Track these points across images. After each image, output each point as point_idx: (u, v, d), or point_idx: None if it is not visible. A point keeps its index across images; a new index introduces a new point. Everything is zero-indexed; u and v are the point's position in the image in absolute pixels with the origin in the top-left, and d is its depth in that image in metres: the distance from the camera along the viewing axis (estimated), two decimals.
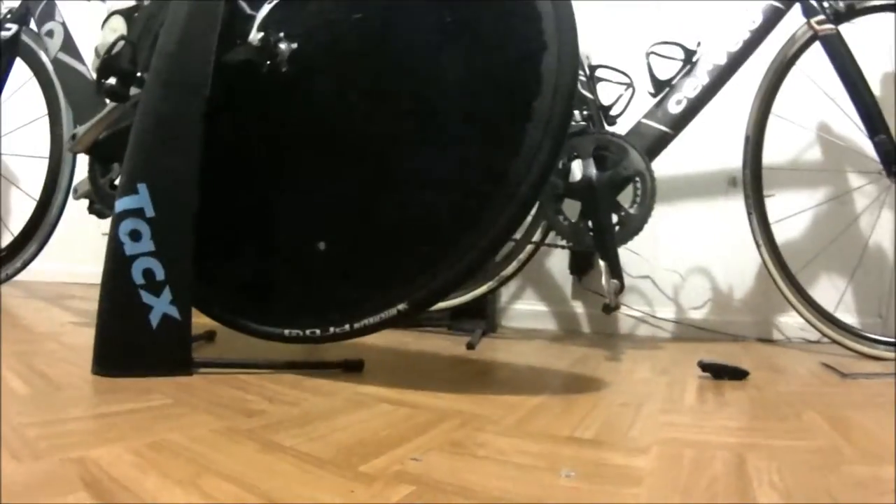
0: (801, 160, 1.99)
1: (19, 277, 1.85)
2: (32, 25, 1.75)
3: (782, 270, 1.76)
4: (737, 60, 1.63)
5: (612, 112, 1.63)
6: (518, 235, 1.76)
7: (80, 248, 2.37)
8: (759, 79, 1.76)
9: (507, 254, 1.79)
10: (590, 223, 1.56)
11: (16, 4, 1.80)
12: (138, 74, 1.12)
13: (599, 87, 1.64)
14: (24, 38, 1.81)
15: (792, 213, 1.91)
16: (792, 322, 1.92)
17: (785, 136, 1.91)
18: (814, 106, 1.88)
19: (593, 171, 1.55)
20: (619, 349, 1.72)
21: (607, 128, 1.63)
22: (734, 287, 2.05)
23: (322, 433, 0.76)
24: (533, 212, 1.67)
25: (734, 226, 1.90)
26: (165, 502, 0.53)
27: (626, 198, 1.55)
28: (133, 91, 1.26)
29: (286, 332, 1.17)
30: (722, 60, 1.63)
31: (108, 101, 1.44)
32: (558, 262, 2.18)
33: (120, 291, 1.03)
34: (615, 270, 1.56)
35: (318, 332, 1.14)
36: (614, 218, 1.55)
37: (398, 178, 1.12)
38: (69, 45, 1.66)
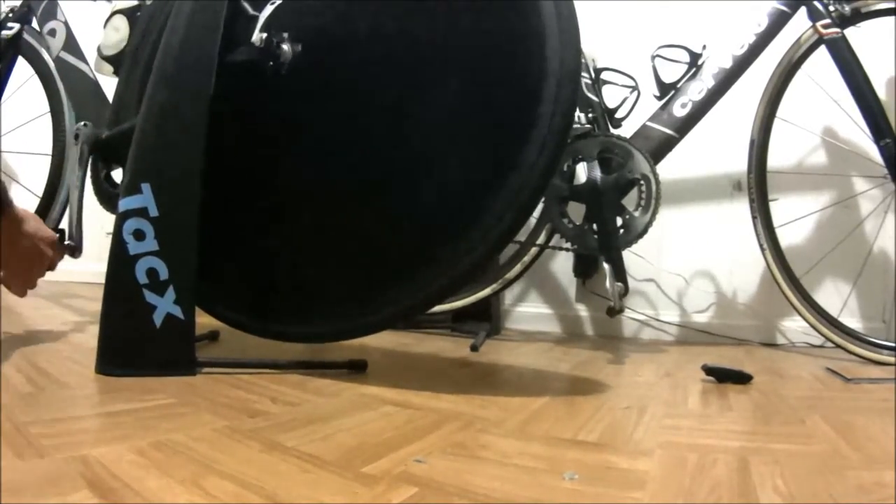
0: (806, 164, 1.98)
1: None
2: (34, 24, 1.76)
3: (786, 274, 1.75)
4: (742, 64, 1.63)
5: (618, 115, 1.62)
6: (522, 238, 1.76)
7: (83, 246, 2.37)
8: (764, 82, 1.76)
9: (511, 256, 1.78)
10: (594, 226, 1.56)
11: (18, 3, 1.80)
12: None
13: (605, 89, 1.63)
14: (27, 36, 1.81)
15: (796, 217, 1.91)
16: (796, 326, 1.91)
17: (790, 139, 1.90)
18: (819, 110, 1.87)
19: (598, 174, 1.55)
20: (622, 352, 1.72)
21: (612, 130, 1.62)
22: (738, 291, 2.05)
23: (325, 434, 0.76)
24: (537, 214, 1.67)
25: (739, 229, 1.90)
26: (168, 502, 0.53)
27: (630, 201, 1.54)
28: None
29: (290, 331, 1.17)
30: (727, 64, 1.63)
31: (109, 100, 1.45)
32: (562, 264, 2.17)
33: (123, 291, 1.03)
34: (619, 273, 1.56)
35: (321, 331, 1.14)
36: (619, 221, 1.54)
37: (402, 178, 1.12)
38: (71, 44, 1.66)
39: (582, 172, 1.56)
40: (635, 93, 1.60)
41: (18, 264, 1.09)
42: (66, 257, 1.24)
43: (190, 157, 1.06)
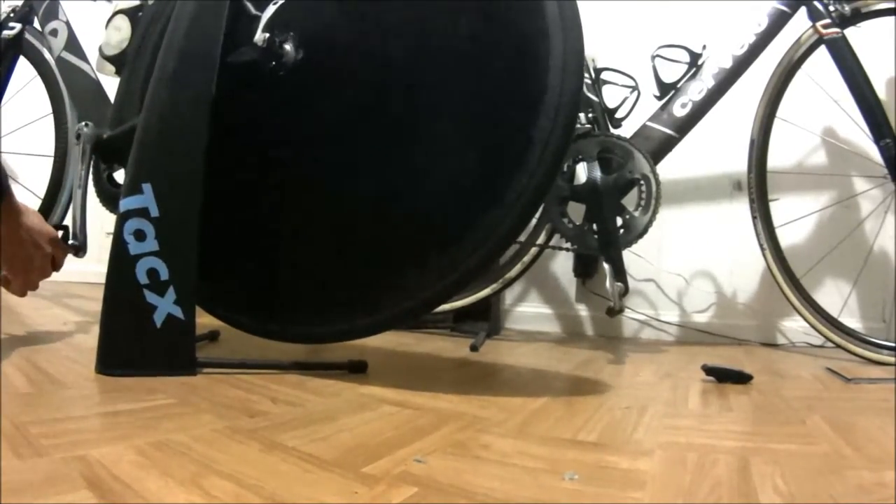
0: (806, 164, 1.98)
1: None
2: (36, 24, 1.76)
3: (786, 274, 1.75)
4: (742, 64, 1.63)
5: (618, 115, 1.62)
6: (523, 238, 1.76)
7: (87, 246, 2.37)
8: (764, 82, 1.76)
9: (511, 256, 1.78)
10: (594, 226, 1.56)
11: (19, 3, 1.80)
12: None
13: (605, 89, 1.63)
14: (28, 36, 1.81)
15: (796, 217, 1.91)
16: (796, 326, 1.91)
17: (790, 139, 1.91)
18: (819, 110, 1.88)
19: (598, 174, 1.55)
20: (622, 352, 1.72)
21: (612, 130, 1.63)
22: (738, 291, 2.05)
23: (325, 434, 0.76)
24: (537, 214, 1.66)
25: (739, 229, 1.90)
26: (168, 502, 0.53)
27: (630, 201, 1.54)
28: None
29: (290, 331, 1.17)
30: (727, 64, 1.63)
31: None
32: (562, 264, 2.17)
33: (124, 291, 1.03)
34: (619, 273, 1.56)
35: (322, 332, 1.14)
36: (619, 221, 1.54)
37: (403, 178, 1.12)
38: (73, 44, 1.66)
39: (582, 172, 1.56)
40: (635, 93, 1.60)
41: (17, 259, 1.08)
42: (70, 256, 1.24)
43: (191, 157, 1.06)
